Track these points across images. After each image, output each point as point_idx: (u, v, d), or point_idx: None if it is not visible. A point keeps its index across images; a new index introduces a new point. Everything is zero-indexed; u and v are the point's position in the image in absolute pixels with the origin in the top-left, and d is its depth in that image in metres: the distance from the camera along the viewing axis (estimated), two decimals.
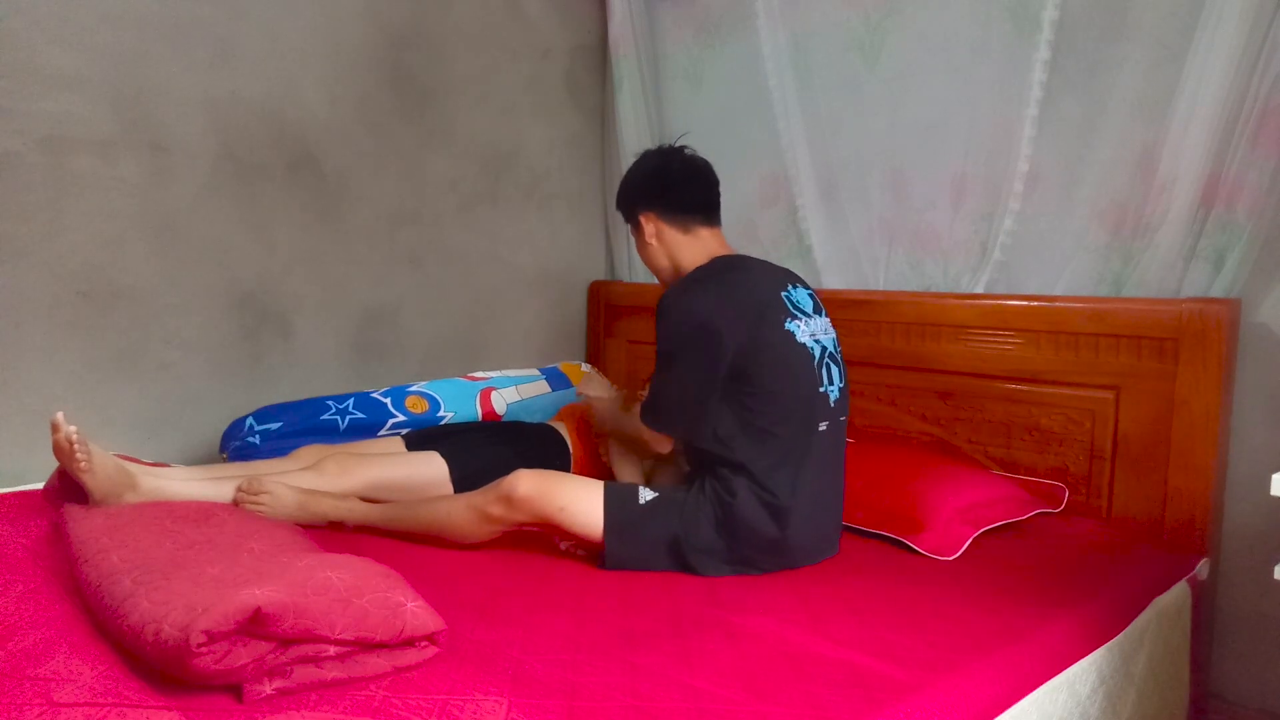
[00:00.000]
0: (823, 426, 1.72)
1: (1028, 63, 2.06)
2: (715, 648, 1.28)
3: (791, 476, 1.66)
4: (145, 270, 2.11)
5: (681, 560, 1.64)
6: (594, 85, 3.06)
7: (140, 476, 1.66)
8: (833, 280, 2.52)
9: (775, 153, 2.61)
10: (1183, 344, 1.84)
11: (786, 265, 2.61)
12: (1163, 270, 1.91)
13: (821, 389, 1.72)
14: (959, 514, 1.81)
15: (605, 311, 3.06)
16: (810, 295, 1.83)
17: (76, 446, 1.54)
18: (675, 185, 1.88)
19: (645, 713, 1.09)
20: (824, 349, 1.76)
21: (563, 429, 2.27)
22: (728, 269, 1.80)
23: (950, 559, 1.71)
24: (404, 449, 2.06)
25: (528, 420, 2.43)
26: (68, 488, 1.70)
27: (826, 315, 1.84)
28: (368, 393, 2.26)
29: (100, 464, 1.59)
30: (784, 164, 2.59)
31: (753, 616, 1.40)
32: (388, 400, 2.24)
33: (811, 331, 1.75)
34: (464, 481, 1.92)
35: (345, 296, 2.49)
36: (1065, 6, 2.00)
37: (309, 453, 1.95)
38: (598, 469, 2.16)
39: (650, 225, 1.88)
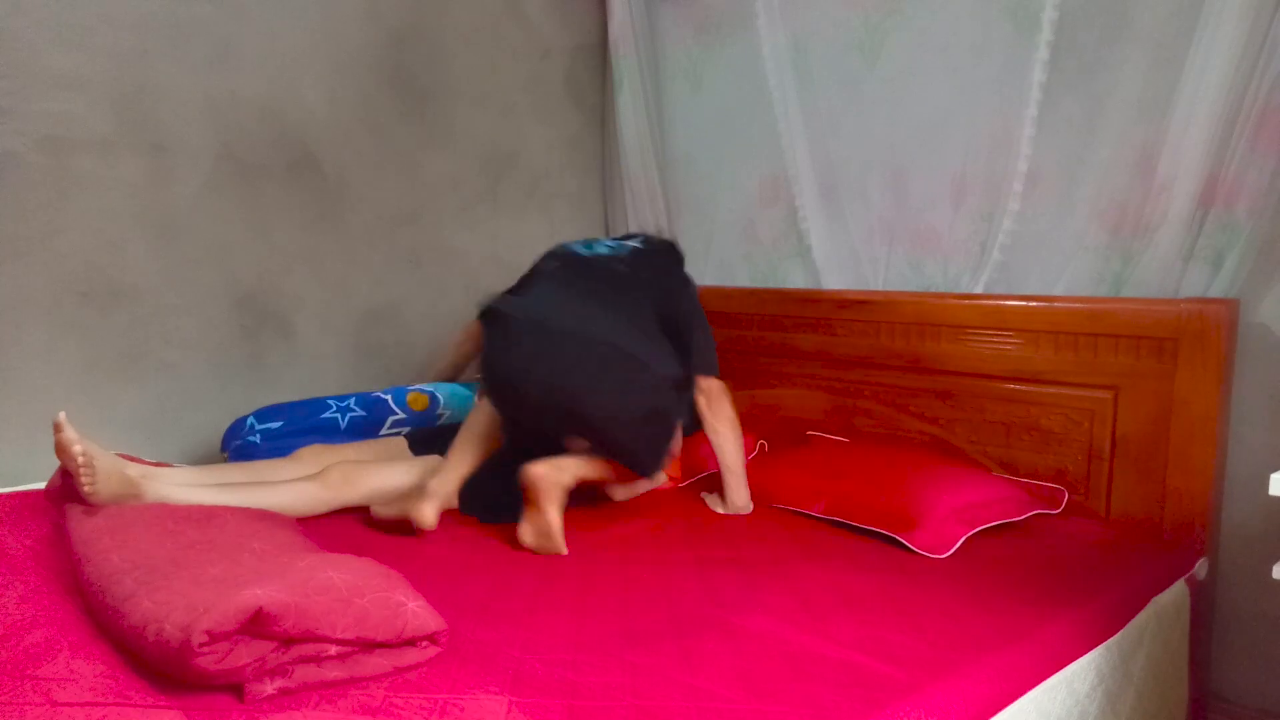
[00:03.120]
0: None
1: (1028, 63, 2.06)
2: (715, 648, 1.28)
3: None
4: (145, 270, 2.12)
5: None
6: (594, 85, 3.06)
7: (144, 486, 1.66)
8: (833, 280, 2.52)
9: (775, 153, 2.61)
10: (1182, 344, 1.84)
11: (786, 265, 2.67)
12: (1162, 270, 1.91)
13: None
14: (954, 513, 1.81)
15: None
16: None
17: (83, 468, 1.54)
18: None
19: (645, 712, 1.10)
20: None
21: None
22: None
23: (942, 557, 1.72)
24: (406, 448, 2.06)
25: None
26: (69, 487, 1.70)
27: None
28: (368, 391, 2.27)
29: (104, 480, 1.59)
30: (784, 164, 2.59)
31: (753, 616, 1.41)
32: (389, 397, 2.25)
33: None
34: (465, 483, 1.92)
35: (345, 296, 2.49)
36: (1065, 7, 2.01)
37: (310, 453, 1.95)
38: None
39: None
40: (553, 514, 1.73)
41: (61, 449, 1.56)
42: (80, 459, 1.54)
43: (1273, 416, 1.85)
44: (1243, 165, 1.78)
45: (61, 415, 1.56)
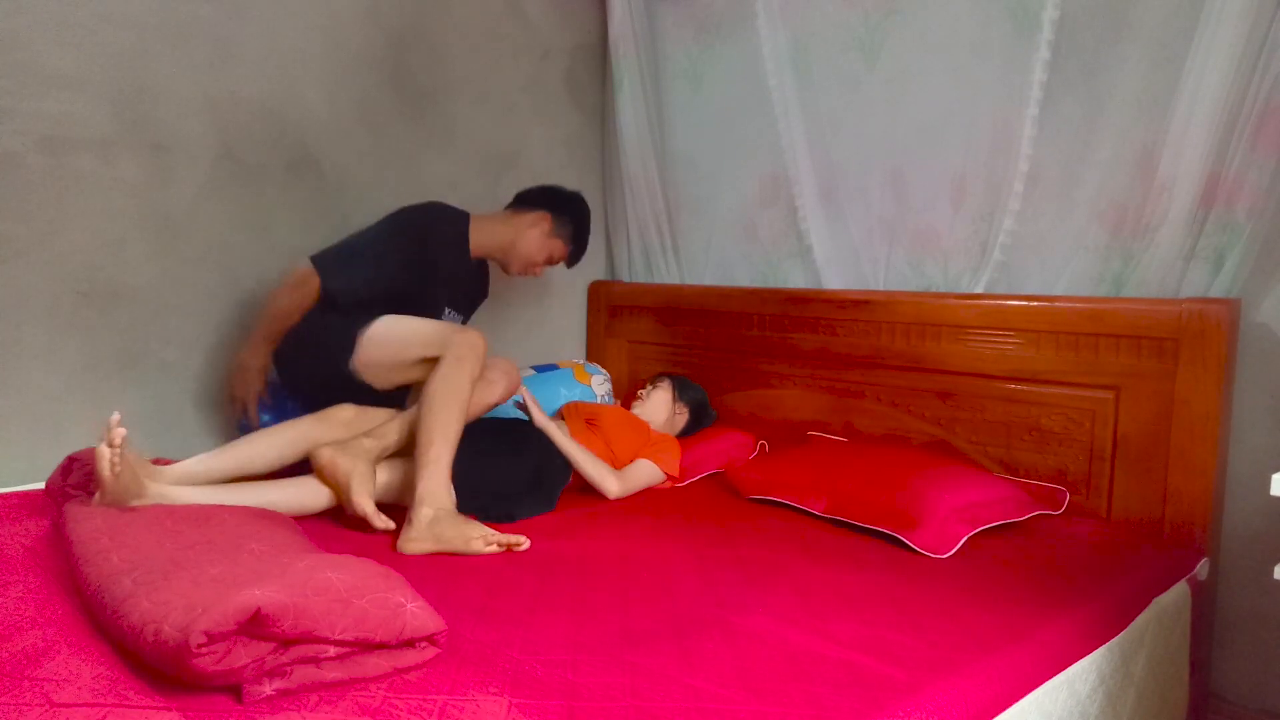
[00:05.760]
0: None
1: (1028, 63, 2.06)
2: (715, 648, 1.28)
3: None
4: (145, 270, 2.11)
5: None
6: (594, 85, 3.06)
7: (149, 485, 1.66)
8: (833, 280, 2.52)
9: (775, 153, 2.61)
10: (1183, 344, 1.84)
11: (786, 265, 2.67)
12: (1163, 270, 1.91)
13: None
14: (955, 512, 1.81)
15: (605, 311, 3.06)
16: None
17: (113, 454, 1.55)
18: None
19: (645, 713, 1.09)
20: None
21: (563, 428, 2.28)
22: None
23: (944, 556, 1.72)
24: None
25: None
26: (69, 487, 1.71)
27: None
28: None
29: (121, 487, 1.60)
30: (784, 164, 2.59)
31: (753, 616, 1.40)
32: None
33: None
34: (461, 478, 1.92)
35: None
36: (1065, 6, 2.00)
37: (340, 412, 1.96)
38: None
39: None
40: (360, 502, 1.75)
41: (101, 457, 1.58)
42: (117, 441, 1.56)
43: (1273, 416, 1.85)
44: (1243, 165, 1.78)
45: (116, 415, 1.58)
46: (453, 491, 1.80)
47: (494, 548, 1.69)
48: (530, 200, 2.32)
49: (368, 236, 2.12)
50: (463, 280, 2.28)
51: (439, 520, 1.71)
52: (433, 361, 1.90)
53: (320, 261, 2.05)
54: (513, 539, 1.71)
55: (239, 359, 2.08)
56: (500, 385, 2.05)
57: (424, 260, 2.11)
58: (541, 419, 2.20)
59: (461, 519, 1.74)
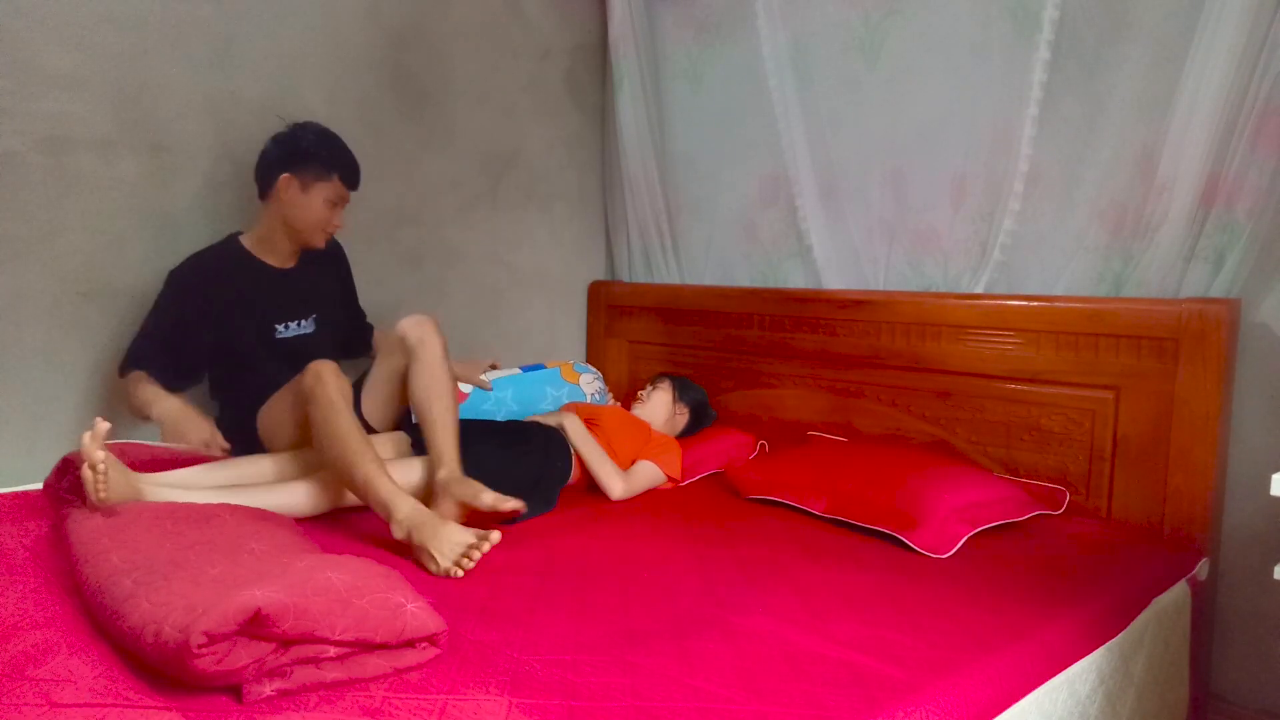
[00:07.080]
0: None
1: (1028, 63, 2.06)
2: (715, 648, 1.28)
3: None
4: (145, 270, 2.11)
5: None
6: (594, 85, 3.06)
7: (145, 489, 1.66)
8: (833, 280, 2.52)
9: (775, 153, 2.61)
10: (1183, 344, 1.84)
11: (786, 265, 2.67)
12: (1163, 270, 1.91)
13: None
14: (955, 512, 1.81)
15: (605, 311, 3.06)
16: None
17: (99, 478, 1.54)
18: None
19: (645, 713, 1.09)
20: None
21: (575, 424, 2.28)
22: None
23: (944, 556, 1.72)
24: (409, 444, 2.07)
25: (501, 405, 2.51)
26: (63, 490, 1.71)
27: None
28: None
29: (114, 488, 1.59)
30: (784, 164, 2.59)
31: (753, 616, 1.41)
32: None
33: None
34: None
35: None
36: (1065, 6, 2.00)
37: None
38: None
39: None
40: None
41: (86, 456, 1.57)
42: (100, 467, 1.54)
43: (1273, 416, 1.85)
44: (1243, 165, 1.78)
45: (102, 425, 1.57)
46: (411, 497, 1.73)
47: (457, 569, 1.58)
48: (266, 175, 2.05)
49: (147, 321, 2.01)
50: (285, 290, 2.11)
51: (415, 528, 1.65)
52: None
53: (132, 363, 1.96)
54: (486, 539, 1.62)
55: (166, 429, 1.90)
56: (429, 336, 1.96)
57: (205, 306, 2.00)
58: (554, 420, 2.25)
59: (437, 527, 1.63)
